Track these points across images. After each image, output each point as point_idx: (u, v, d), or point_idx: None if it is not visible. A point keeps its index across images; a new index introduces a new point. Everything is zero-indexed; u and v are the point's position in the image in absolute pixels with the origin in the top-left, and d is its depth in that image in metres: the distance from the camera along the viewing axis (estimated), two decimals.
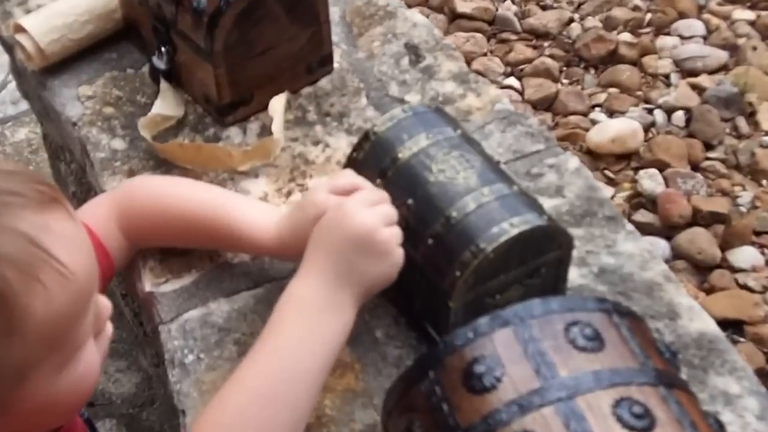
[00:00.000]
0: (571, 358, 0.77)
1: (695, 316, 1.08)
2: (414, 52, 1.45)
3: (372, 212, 0.98)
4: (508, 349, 0.78)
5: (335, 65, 1.42)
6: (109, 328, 0.91)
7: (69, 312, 0.81)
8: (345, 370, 1.05)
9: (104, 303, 0.90)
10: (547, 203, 1.19)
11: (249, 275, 1.16)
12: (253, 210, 1.13)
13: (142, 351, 1.90)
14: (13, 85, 2.78)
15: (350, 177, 1.04)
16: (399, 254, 0.98)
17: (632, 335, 0.81)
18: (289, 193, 1.25)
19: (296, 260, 1.01)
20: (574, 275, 1.12)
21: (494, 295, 0.99)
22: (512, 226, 0.96)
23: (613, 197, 2.20)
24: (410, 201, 1.01)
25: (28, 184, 0.81)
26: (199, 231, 1.13)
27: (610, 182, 2.26)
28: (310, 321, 0.95)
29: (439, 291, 0.98)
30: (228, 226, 1.11)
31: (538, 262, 1.00)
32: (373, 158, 1.06)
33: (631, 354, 0.79)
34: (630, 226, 1.19)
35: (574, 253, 1.12)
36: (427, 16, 2.74)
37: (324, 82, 1.41)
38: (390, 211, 0.99)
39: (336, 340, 0.96)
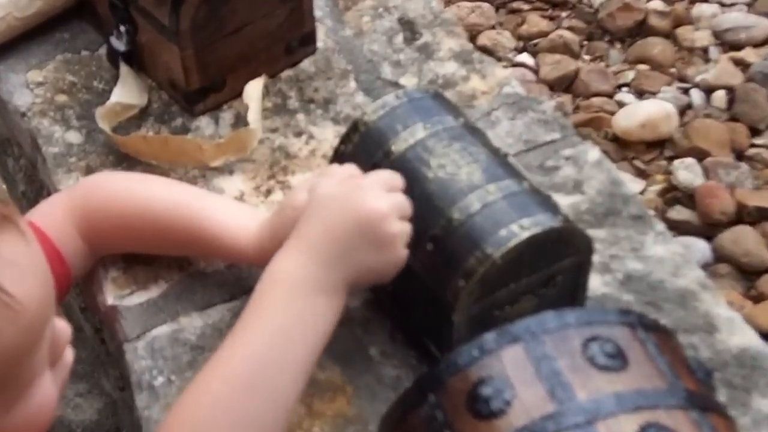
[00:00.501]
0: (589, 378, 0.79)
1: (736, 330, 1.10)
2: (409, 28, 1.47)
3: (387, 198, 1.00)
4: (519, 369, 0.80)
5: (319, 44, 1.44)
6: (68, 354, 0.92)
7: (16, 348, 0.82)
8: (336, 393, 1.07)
9: (62, 327, 0.91)
10: (564, 201, 1.21)
11: (224, 286, 1.18)
12: (229, 211, 1.15)
13: (104, 372, 1.92)
14: None
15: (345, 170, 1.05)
16: (402, 253, 1.00)
17: (660, 352, 0.83)
18: (268, 192, 1.27)
19: None
20: (596, 283, 1.14)
21: (503, 307, 1.01)
22: (522, 228, 0.97)
23: (643, 191, 2.22)
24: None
25: None
26: (168, 235, 1.15)
27: (641, 174, 2.28)
28: (299, 303, 0.97)
29: (440, 303, 1.00)
30: (200, 230, 1.13)
31: (552, 269, 1.02)
32: (363, 152, 1.08)
33: (659, 373, 0.81)
34: (660, 227, 1.21)
35: (596, 258, 1.15)
36: None
37: (306, 64, 1.43)
38: (406, 204, 1.01)
39: (326, 326, 0.98)
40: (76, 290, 1.68)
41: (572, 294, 1.07)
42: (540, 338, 0.81)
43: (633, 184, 2.21)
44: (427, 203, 1.02)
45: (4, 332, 0.80)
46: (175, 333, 1.14)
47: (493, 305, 1.01)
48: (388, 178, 1.02)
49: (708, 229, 2.14)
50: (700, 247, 2.10)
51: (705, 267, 2.06)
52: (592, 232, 1.18)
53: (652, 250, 1.18)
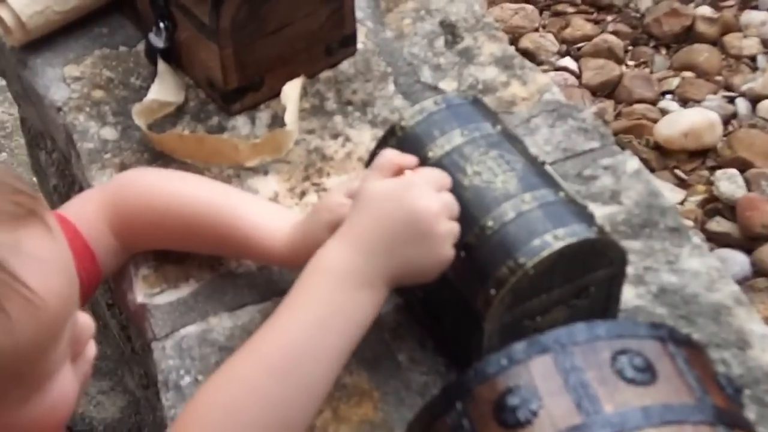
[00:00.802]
0: (617, 391, 0.81)
1: None
2: (450, 31, 1.49)
3: (438, 198, 1.02)
4: (547, 380, 0.82)
5: (359, 46, 1.47)
6: (91, 349, 0.95)
7: (36, 343, 0.85)
8: (362, 398, 1.10)
9: (85, 322, 0.93)
10: (601, 211, 1.23)
11: (255, 287, 1.21)
12: (263, 211, 1.18)
13: (128, 370, 1.95)
14: None
15: (394, 156, 1.06)
16: (449, 253, 1.02)
17: (690, 367, 0.85)
18: (302, 194, 1.30)
19: None
20: (630, 295, 1.16)
21: (535, 317, 1.04)
22: (556, 238, 1.00)
23: (683, 202, 2.23)
24: None
25: (3, 195, 0.84)
26: (200, 233, 1.18)
27: (682, 184, 2.29)
28: (342, 295, 0.99)
29: (471, 311, 1.02)
30: (233, 229, 1.16)
31: (586, 280, 1.04)
32: None
33: (687, 388, 0.83)
34: (696, 240, 1.22)
35: (631, 270, 1.17)
36: None
37: (345, 66, 1.45)
38: (455, 204, 1.03)
39: (366, 319, 1.00)
40: (103, 286, 1.72)
41: (605, 305, 1.09)
42: (569, 349, 0.83)
43: (673, 194, 2.22)
44: (462, 211, 1.04)
45: (24, 327, 0.83)
46: (204, 333, 1.17)
47: (524, 315, 1.03)
48: (438, 177, 1.04)
49: (748, 242, 2.14)
50: (739, 261, 2.10)
51: (743, 281, 2.07)
52: (628, 244, 1.20)
53: (688, 263, 1.20)
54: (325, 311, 0.99)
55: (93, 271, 1.16)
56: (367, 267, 1.00)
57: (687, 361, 0.85)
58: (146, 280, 1.23)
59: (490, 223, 1.02)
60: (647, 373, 0.82)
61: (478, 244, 1.02)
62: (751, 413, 1.06)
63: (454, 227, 1.02)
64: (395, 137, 1.12)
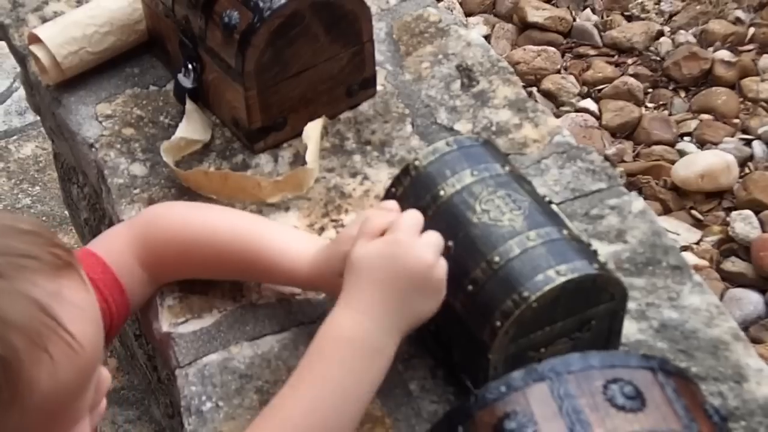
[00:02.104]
0: (608, 417, 0.87)
1: (764, 380, 1.17)
2: (467, 74, 1.56)
3: (427, 245, 1.08)
4: (542, 406, 0.88)
5: (378, 88, 1.54)
6: (103, 403, 1.01)
7: (73, 386, 0.92)
8: (375, 425, 1.15)
9: (105, 375, 1.00)
10: (606, 249, 1.29)
11: (274, 318, 1.27)
12: (287, 236, 1.26)
13: (155, 399, 2.01)
14: (19, 93, 2.93)
15: (384, 216, 1.13)
16: (444, 291, 1.09)
17: (678, 396, 0.90)
18: (322, 229, 1.36)
19: (330, 294, 1.15)
20: (632, 330, 1.22)
21: (539, 349, 1.10)
22: (559, 274, 1.06)
23: (699, 241, 2.28)
24: (450, 243, 1.11)
25: (44, 247, 0.91)
26: (227, 259, 1.25)
27: (698, 224, 2.34)
28: (360, 363, 1.06)
29: (478, 342, 1.08)
30: (259, 252, 1.22)
31: (587, 314, 1.10)
32: (412, 195, 1.17)
33: (675, 416, 0.88)
34: (698, 278, 1.28)
35: (634, 305, 1.23)
36: (493, 26, 2.86)
37: (365, 107, 1.52)
38: (439, 240, 1.10)
39: (382, 375, 1.07)
40: (132, 317, 1.78)
41: (606, 339, 1.14)
42: (564, 377, 0.89)
43: (689, 234, 2.27)
44: (470, 246, 1.10)
45: (64, 370, 0.89)
46: (226, 361, 1.23)
47: (528, 347, 1.09)
48: (415, 221, 1.11)
49: (762, 282, 2.20)
50: (754, 300, 2.16)
51: (757, 320, 2.12)
52: (632, 281, 1.26)
53: (689, 300, 1.25)
54: (347, 380, 1.05)
55: (122, 303, 1.22)
56: (378, 331, 1.06)
57: (676, 390, 0.91)
58: (171, 310, 1.29)
59: (496, 259, 1.08)
60: (637, 401, 0.88)
61: (485, 278, 1.08)
62: None
63: (444, 263, 1.08)
64: (409, 176, 1.18)
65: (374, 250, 1.09)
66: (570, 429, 0.87)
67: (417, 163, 1.19)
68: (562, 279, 1.06)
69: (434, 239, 1.09)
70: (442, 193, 1.15)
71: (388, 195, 1.20)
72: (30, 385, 0.87)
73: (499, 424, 0.89)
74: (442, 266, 1.08)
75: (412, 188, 1.18)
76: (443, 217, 1.14)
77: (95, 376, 0.96)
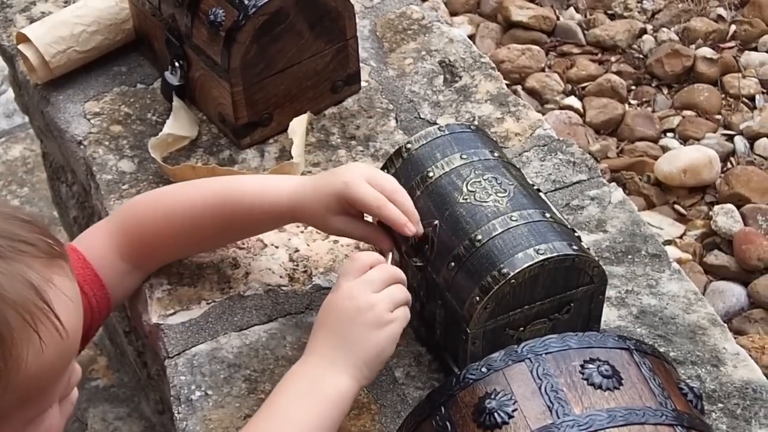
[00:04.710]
0: (585, 395, 0.90)
1: (740, 364, 1.20)
2: (449, 70, 1.59)
3: (374, 296, 1.11)
4: (522, 385, 0.91)
5: (363, 84, 1.57)
6: (74, 393, 1.04)
7: (53, 370, 0.95)
8: (361, 411, 1.18)
9: (77, 368, 1.03)
10: (587, 238, 1.32)
11: (262, 309, 1.30)
12: (263, 178, 1.32)
13: (145, 396, 2.03)
14: (6, 96, 2.95)
15: (368, 257, 1.17)
16: (393, 330, 1.11)
17: (653, 374, 0.94)
18: None
19: (313, 225, 1.26)
20: (612, 316, 1.25)
21: (518, 328, 1.13)
22: (538, 253, 1.09)
23: (683, 235, 2.31)
24: (437, 222, 1.15)
25: (41, 236, 0.95)
26: (210, 223, 1.27)
27: (681, 218, 2.37)
28: (302, 396, 1.08)
29: (458, 317, 1.12)
30: (238, 202, 1.26)
31: (566, 296, 1.13)
32: (403, 175, 1.21)
33: (650, 393, 0.92)
34: (675, 265, 1.31)
35: (613, 293, 1.26)
36: (478, 26, 2.89)
37: (350, 103, 1.55)
38: (397, 294, 1.13)
39: (342, 409, 1.09)
40: (120, 314, 1.81)
41: (585, 323, 1.17)
42: (542, 358, 0.92)
43: (673, 228, 2.30)
44: (454, 225, 1.14)
45: (49, 353, 0.92)
46: (214, 351, 1.26)
47: (507, 324, 1.12)
48: (378, 276, 1.13)
49: (744, 275, 2.23)
50: (736, 292, 2.19)
51: (740, 312, 2.15)
52: (612, 269, 1.29)
53: (667, 287, 1.28)
54: (291, 408, 1.08)
55: (102, 297, 1.25)
56: (322, 365, 1.09)
57: (651, 369, 0.94)
58: (161, 302, 1.32)
59: (479, 237, 1.11)
60: (613, 380, 0.91)
61: (467, 255, 1.11)
62: (722, 425, 1.14)
63: (399, 312, 1.11)
64: (401, 158, 1.22)
65: (328, 300, 1.13)
66: (549, 407, 0.89)
67: (409, 146, 1.23)
68: (541, 258, 1.09)
69: (390, 292, 1.12)
70: (431, 174, 1.19)
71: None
72: (18, 362, 0.90)
73: (480, 403, 0.91)
74: (384, 307, 1.10)
75: (403, 169, 1.22)
76: (431, 197, 1.17)
77: (70, 367, 0.99)
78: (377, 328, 1.09)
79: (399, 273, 1.15)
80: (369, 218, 1.22)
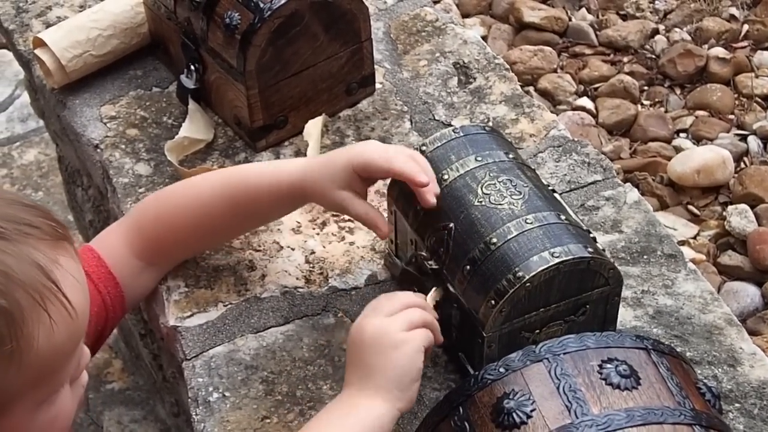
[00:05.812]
0: (603, 395, 0.90)
1: (757, 364, 1.20)
2: (464, 72, 1.59)
3: (386, 320, 1.11)
4: (540, 385, 0.92)
5: (377, 86, 1.57)
6: (84, 376, 1.06)
7: (64, 349, 0.97)
8: None
9: (86, 351, 1.05)
10: (603, 239, 1.32)
11: (278, 311, 1.30)
12: (270, 163, 1.35)
13: (160, 399, 2.04)
14: (21, 100, 2.96)
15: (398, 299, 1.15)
16: (408, 349, 1.09)
17: (671, 374, 0.94)
18: (323, 224, 1.39)
19: (320, 203, 1.26)
20: (628, 316, 1.25)
21: (534, 331, 1.13)
22: (553, 256, 1.09)
23: (696, 236, 2.31)
24: (451, 225, 1.16)
25: (45, 220, 0.96)
26: (219, 212, 1.29)
27: (695, 219, 2.37)
28: (336, 418, 1.08)
29: (474, 320, 1.12)
30: (244, 185, 1.28)
31: (582, 298, 1.13)
32: None
33: (668, 393, 0.92)
34: (691, 265, 1.31)
35: (629, 293, 1.26)
36: (490, 27, 2.89)
37: (364, 105, 1.56)
38: (412, 316, 1.12)
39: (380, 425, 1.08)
40: (136, 317, 1.82)
41: (601, 325, 1.17)
42: (560, 358, 0.93)
43: (686, 229, 2.30)
44: (470, 228, 1.14)
45: (59, 332, 0.94)
46: (231, 353, 1.26)
47: (523, 327, 1.12)
48: (388, 306, 1.12)
49: (759, 275, 2.22)
50: (750, 293, 2.18)
51: (754, 312, 2.15)
52: (627, 269, 1.30)
53: (683, 287, 1.28)
54: (347, 418, 1.07)
55: (116, 295, 1.27)
56: (351, 391, 1.09)
57: (669, 369, 0.94)
58: (178, 304, 1.32)
59: (494, 240, 1.12)
60: (631, 379, 0.92)
61: (483, 258, 1.12)
62: (739, 425, 1.14)
63: (415, 333, 1.09)
64: None
65: (349, 338, 1.13)
66: (567, 407, 0.90)
67: (424, 148, 1.23)
68: (556, 261, 1.09)
69: (404, 315, 1.11)
70: (446, 176, 1.19)
71: (395, 180, 1.23)
72: (29, 341, 0.91)
73: (499, 403, 0.92)
74: (397, 327, 1.09)
75: None
76: (446, 199, 1.18)
77: (79, 348, 1.01)
78: (393, 349, 1.08)
79: (427, 316, 1.13)
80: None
